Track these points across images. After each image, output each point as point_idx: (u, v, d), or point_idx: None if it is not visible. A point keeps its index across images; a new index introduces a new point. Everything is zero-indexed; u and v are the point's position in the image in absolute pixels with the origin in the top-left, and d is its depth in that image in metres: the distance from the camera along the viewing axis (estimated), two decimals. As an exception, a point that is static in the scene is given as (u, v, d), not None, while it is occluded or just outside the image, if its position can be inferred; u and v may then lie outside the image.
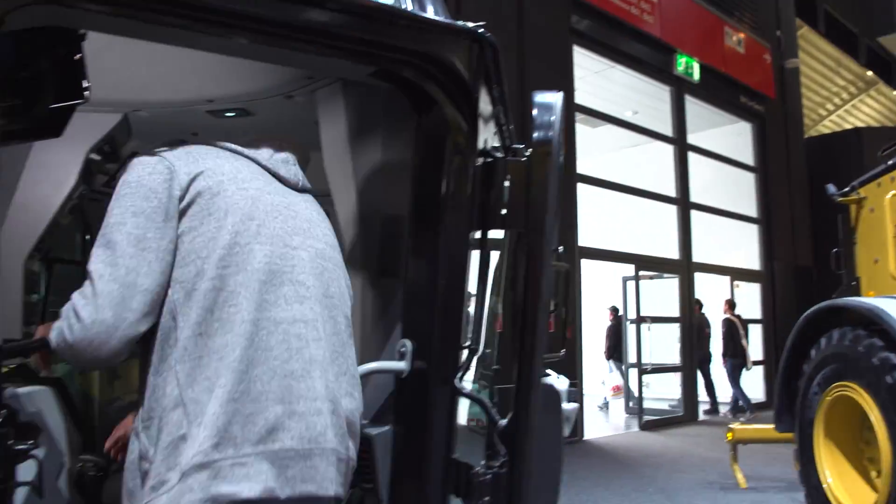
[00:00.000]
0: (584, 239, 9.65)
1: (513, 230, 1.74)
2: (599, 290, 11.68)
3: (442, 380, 1.74)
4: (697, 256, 11.85)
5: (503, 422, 1.72)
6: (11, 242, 2.42)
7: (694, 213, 11.96)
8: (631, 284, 10.54)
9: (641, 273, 10.64)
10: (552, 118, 1.77)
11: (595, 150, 11.75)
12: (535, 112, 1.76)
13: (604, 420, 11.83)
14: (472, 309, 1.78)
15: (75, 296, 1.38)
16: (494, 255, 1.88)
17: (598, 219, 10.61)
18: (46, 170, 2.48)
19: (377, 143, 2.08)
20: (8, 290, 2.40)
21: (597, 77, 11.14)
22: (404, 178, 1.90)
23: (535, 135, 1.74)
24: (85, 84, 1.59)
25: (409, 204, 1.85)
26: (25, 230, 2.44)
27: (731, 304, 11.25)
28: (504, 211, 1.72)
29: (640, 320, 10.57)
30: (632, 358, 10.96)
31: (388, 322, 1.85)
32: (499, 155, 1.80)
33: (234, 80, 2.36)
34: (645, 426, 10.39)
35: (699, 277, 11.81)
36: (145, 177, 1.50)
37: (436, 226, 1.77)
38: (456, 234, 1.75)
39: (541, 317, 1.69)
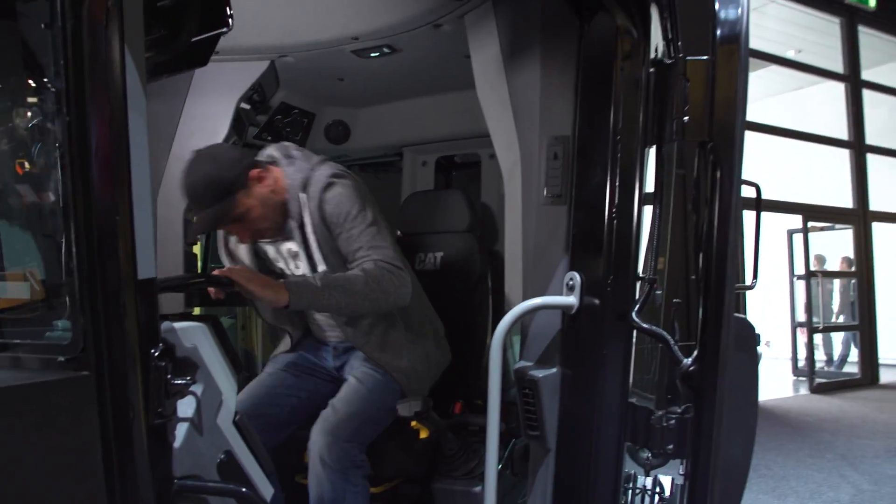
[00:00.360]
0: (745, 189, 8.94)
1: (695, 141, 1.51)
2: (763, 244, 10.84)
3: (616, 315, 1.55)
4: (876, 205, 10.73)
5: (688, 361, 1.50)
6: (172, 193, 2.47)
7: (870, 157, 10.81)
8: (797, 237, 9.71)
9: (810, 224, 9.77)
10: (738, 11, 1.52)
11: (753, 97, 10.83)
12: (717, 6, 1.52)
13: (767, 381, 11.07)
14: (647, 234, 1.57)
15: (379, 251, 2.04)
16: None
17: (759, 168, 9.80)
18: (200, 121, 2.50)
19: (534, 65, 1.89)
20: (169, 239, 2.45)
21: (753, 15, 10.22)
22: (565, 98, 1.72)
23: (719, 32, 1.50)
24: (229, 11, 1.53)
25: (572, 123, 1.67)
26: (184, 181, 2.47)
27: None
28: (685, 119, 1.49)
29: (809, 275, 9.74)
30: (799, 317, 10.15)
31: (554, 253, 1.68)
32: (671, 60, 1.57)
33: (379, 11, 2.25)
34: (817, 389, 9.61)
35: (878, 228, 10.69)
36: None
37: (605, 144, 1.57)
38: (628, 151, 1.55)
39: (732, 238, 1.45)
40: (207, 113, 2.50)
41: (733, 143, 1.45)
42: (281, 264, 2.30)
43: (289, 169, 2.15)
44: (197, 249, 2.62)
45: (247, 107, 2.62)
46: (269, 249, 2.29)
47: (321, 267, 2.10)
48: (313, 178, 2.11)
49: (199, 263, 2.94)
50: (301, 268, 2.23)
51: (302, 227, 2.11)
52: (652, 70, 1.53)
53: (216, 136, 2.50)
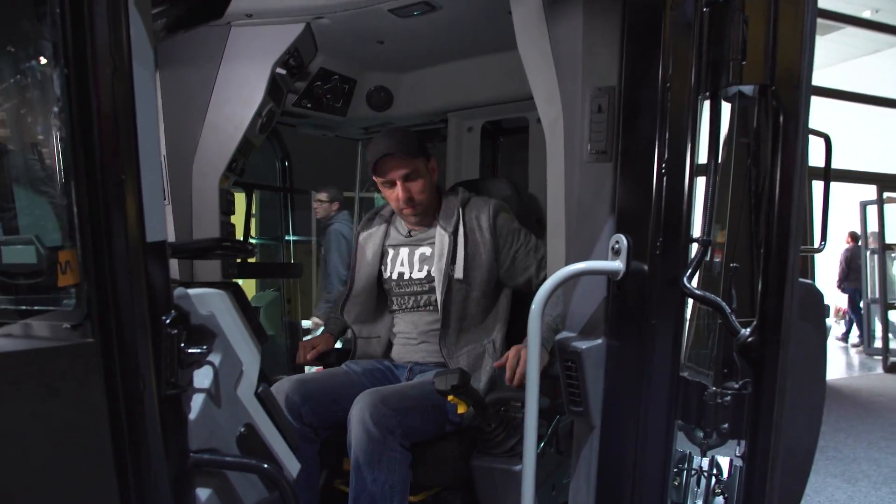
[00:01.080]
0: (815, 158, 8.50)
1: (754, 86, 1.35)
2: (832, 216, 10.34)
3: (666, 280, 1.41)
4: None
5: (746, 331, 1.35)
6: (207, 162, 2.41)
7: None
8: (871, 209, 9.20)
9: (887, 195, 9.24)
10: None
11: (825, 61, 10.30)
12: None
13: (835, 359, 10.61)
14: (701, 192, 1.42)
15: None
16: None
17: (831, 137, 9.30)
18: (235, 88, 2.43)
19: (576, 12, 1.74)
20: (205, 209, 2.40)
21: (825, -27, 9.67)
22: (610, 45, 1.57)
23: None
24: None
25: (618, 72, 1.53)
26: (219, 149, 2.41)
27: None
28: (743, 62, 1.33)
29: (884, 248, 9.23)
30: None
31: (598, 214, 1.54)
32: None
33: None
34: (891, 368, 9.15)
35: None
36: None
37: (653, 93, 1.43)
38: (679, 101, 1.40)
39: (798, 194, 1.29)
40: (242, 79, 2.42)
41: (799, 86, 1.29)
42: (401, 268, 2.45)
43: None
44: (236, 220, 2.55)
45: (283, 72, 2.53)
46: (403, 252, 2.46)
47: (458, 274, 2.28)
48: (473, 200, 2.43)
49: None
50: (422, 272, 2.39)
51: (455, 233, 2.33)
52: (706, 9, 1.37)
53: (251, 102, 2.43)
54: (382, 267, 2.47)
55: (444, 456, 2.11)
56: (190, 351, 1.27)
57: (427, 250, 2.41)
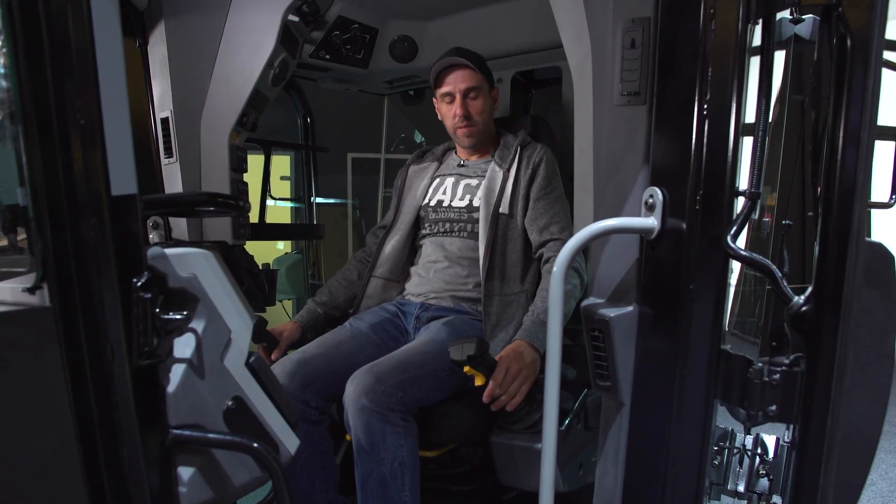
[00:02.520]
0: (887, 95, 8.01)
1: (816, 6, 1.15)
2: None
3: (707, 240, 1.23)
4: None
5: (800, 299, 1.17)
6: (216, 116, 2.28)
7: None
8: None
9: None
10: None
11: None
12: None
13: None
14: (749, 138, 1.22)
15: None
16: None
17: None
18: (244, 36, 2.28)
19: None
20: (214, 166, 2.27)
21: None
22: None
23: None
24: None
25: (654, 0, 1.33)
26: (229, 103, 2.28)
27: None
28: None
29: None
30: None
31: (630, 165, 1.36)
32: None
33: None
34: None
35: None
36: None
37: (695, 23, 1.23)
38: (725, 29, 1.19)
39: (865, 137, 1.09)
40: (252, 27, 2.27)
41: (872, 7, 1.08)
42: (441, 196, 2.36)
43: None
44: (248, 178, 2.42)
45: (295, 19, 2.37)
46: (448, 181, 2.39)
47: (503, 209, 2.19)
48: (532, 143, 2.34)
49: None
50: (464, 201, 2.30)
51: (509, 170, 2.25)
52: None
53: (262, 51, 2.28)
54: (424, 197, 2.40)
55: (460, 415, 1.98)
56: (167, 317, 1.15)
57: (474, 181, 2.32)
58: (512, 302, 2.13)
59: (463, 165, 2.40)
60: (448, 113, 2.29)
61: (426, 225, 2.35)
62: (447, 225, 2.30)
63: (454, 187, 2.35)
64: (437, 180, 2.41)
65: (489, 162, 2.32)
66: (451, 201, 2.32)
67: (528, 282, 2.19)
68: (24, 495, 0.99)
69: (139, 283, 1.10)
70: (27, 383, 1.00)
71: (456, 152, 2.46)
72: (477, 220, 2.23)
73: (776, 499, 1.37)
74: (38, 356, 1.00)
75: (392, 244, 2.36)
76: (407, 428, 1.82)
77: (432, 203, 2.35)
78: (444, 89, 2.26)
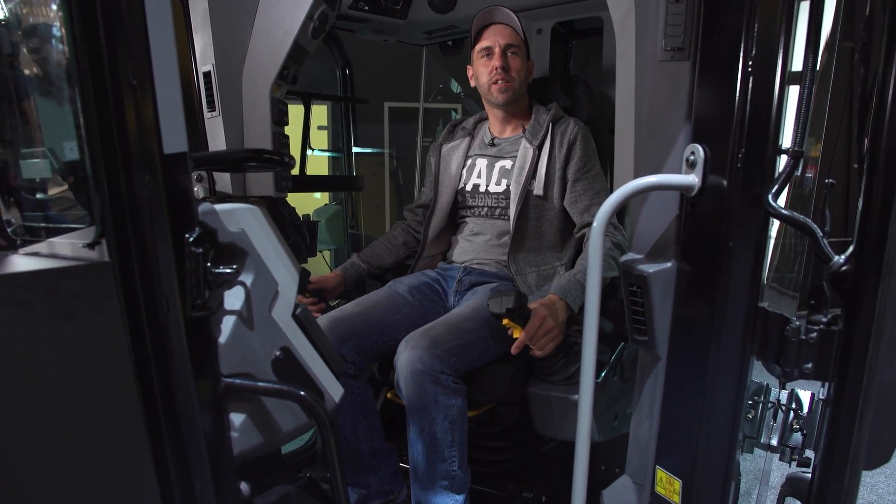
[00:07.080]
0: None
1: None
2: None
3: (748, 197, 1.23)
4: None
5: (840, 258, 1.17)
6: (257, 70, 2.30)
7: None
8: None
9: None
10: None
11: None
12: None
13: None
14: (794, 94, 1.21)
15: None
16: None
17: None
18: None
19: None
20: (256, 120, 2.30)
21: None
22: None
23: None
24: None
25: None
26: (269, 56, 2.29)
27: None
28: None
29: None
30: None
31: (673, 121, 1.35)
32: None
33: None
34: None
35: None
36: None
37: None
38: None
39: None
40: (291, -23, 2.27)
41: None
42: (476, 180, 2.37)
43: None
44: (289, 131, 2.45)
45: (335, -30, 2.36)
46: (481, 163, 2.37)
47: (537, 190, 2.19)
48: (564, 118, 2.31)
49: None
50: (501, 186, 2.30)
51: (541, 147, 2.24)
52: None
53: (301, 4, 2.28)
54: (460, 180, 2.40)
55: (500, 376, 2.02)
56: (218, 271, 1.19)
57: (508, 163, 2.31)
58: (552, 274, 2.17)
59: (494, 145, 2.39)
60: (485, 69, 2.28)
61: (465, 209, 2.38)
62: (485, 210, 2.33)
63: (489, 170, 2.35)
64: (470, 161, 2.41)
65: (520, 139, 2.31)
66: (486, 186, 2.33)
67: (568, 255, 2.21)
68: (90, 436, 1.06)
69: (191, 239, 1.14)
70: (91, 334, 1.05)
71: (488, 127, 2.45)
72: None
73: (809, 453, 1.39)
74: (99, 309, 1.06)
75: (433, 227, 2.40)
76: (457, 389, 1.88)
77: (468, 188, 2.37)
78: (484, 43, 2.25)
